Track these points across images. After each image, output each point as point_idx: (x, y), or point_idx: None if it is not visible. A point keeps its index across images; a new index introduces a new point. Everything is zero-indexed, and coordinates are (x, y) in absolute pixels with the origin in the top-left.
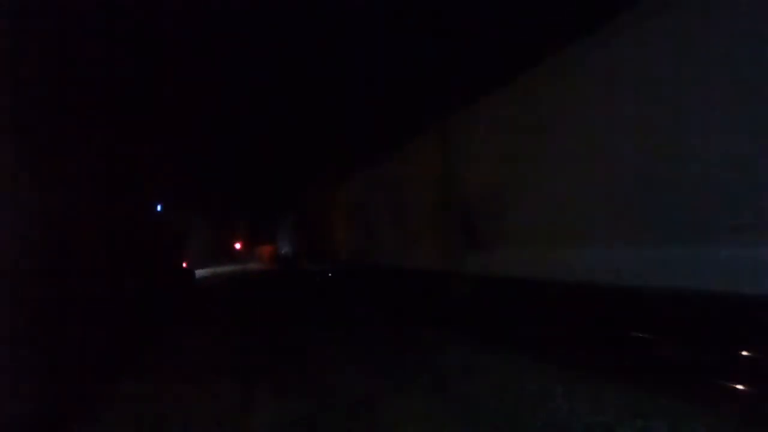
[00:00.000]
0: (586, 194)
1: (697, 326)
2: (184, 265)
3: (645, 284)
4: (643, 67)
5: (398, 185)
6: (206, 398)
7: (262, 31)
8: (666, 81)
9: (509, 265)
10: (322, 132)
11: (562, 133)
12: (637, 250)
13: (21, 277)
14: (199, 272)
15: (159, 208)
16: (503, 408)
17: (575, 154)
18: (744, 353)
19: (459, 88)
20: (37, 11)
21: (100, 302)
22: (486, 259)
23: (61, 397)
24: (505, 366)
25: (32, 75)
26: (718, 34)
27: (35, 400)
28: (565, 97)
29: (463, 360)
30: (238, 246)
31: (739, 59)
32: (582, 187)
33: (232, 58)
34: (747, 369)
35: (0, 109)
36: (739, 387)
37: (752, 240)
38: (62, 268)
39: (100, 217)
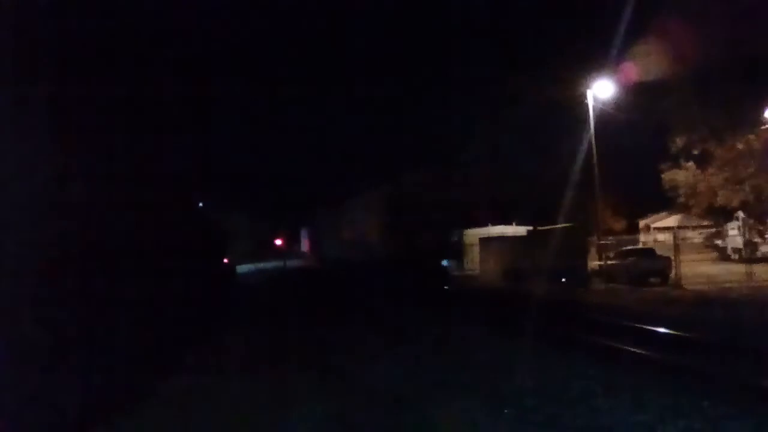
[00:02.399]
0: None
1: None
2: (226, 261)
3: None
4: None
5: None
6: None
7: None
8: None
9: None
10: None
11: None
12: None
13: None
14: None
15: (200, 205)
16: None
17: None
18: None
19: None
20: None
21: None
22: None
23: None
24: None
25: (71, 66)
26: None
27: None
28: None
29: None
30: (279, 242)
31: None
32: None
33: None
34: None
35: (38, 107)
36: None
37: None
38: (87, 266)
39: (141, 215)
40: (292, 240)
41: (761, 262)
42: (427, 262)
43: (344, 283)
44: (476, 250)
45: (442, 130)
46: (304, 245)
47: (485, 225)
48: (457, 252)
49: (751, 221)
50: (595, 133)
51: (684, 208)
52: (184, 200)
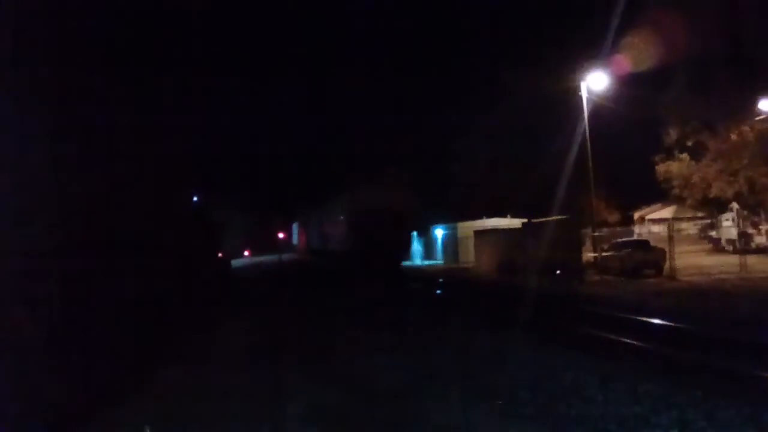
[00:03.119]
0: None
1: None
2: (220, 255)
3: None
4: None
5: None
6: None
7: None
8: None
9: None
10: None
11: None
12: None
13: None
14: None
15: (195, 199)
16: None
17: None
18: None
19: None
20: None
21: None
22: None
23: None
24: None
25: (64, 52)
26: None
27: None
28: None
29: None
30: (281, 236)
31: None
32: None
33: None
34: None
35: (28, 96)
36: None
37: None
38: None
39: (133, 208)
40: (286, 234)
41: (755, 253)
42: (380, 252)
43: (327, 272)
44: (471, 242)
45: (437, 126)
46: (297, 239)
47: (480, 218)
48: (407, 245)
49: (745, 213)
50: (590, 125)
51: (678, 200)
52: (177, 194)
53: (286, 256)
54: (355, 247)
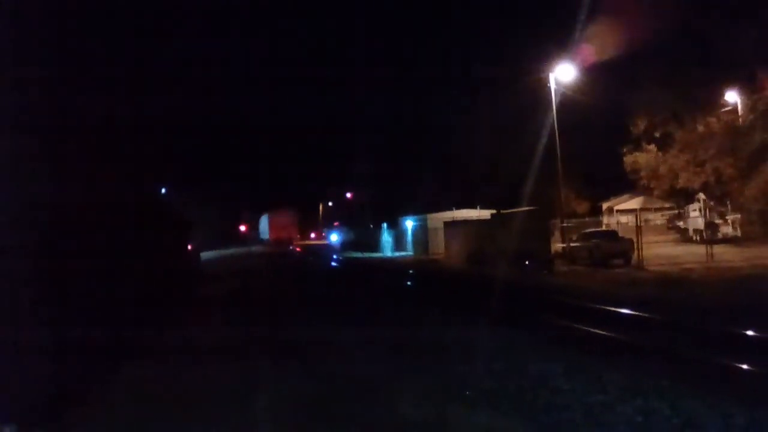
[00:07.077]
0: None
1: None
2: (189, 247)
3: None
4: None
5: None
6: None
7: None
8: None
9: None
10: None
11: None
12: None
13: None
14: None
15: (163, 191)
16: None
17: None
18: None
19: None
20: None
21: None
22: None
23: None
24: None
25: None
26: None
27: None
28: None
29: None
30: (243, 228)
31: None
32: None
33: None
34: None
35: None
36: None
37: None
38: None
39: (100, 200)
40: (248, 228)
41: (721, 243)
42: (283, 241)
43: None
44: (441, 234)
45: (408, 120)
46: (264, 233)
47: (450, 209)
48: (294, 237)
49: (712, 203)
50: (558, 116)
51: (646, 191)
52: (145, 187)
53: (254, 248)
54: (274, 238)
